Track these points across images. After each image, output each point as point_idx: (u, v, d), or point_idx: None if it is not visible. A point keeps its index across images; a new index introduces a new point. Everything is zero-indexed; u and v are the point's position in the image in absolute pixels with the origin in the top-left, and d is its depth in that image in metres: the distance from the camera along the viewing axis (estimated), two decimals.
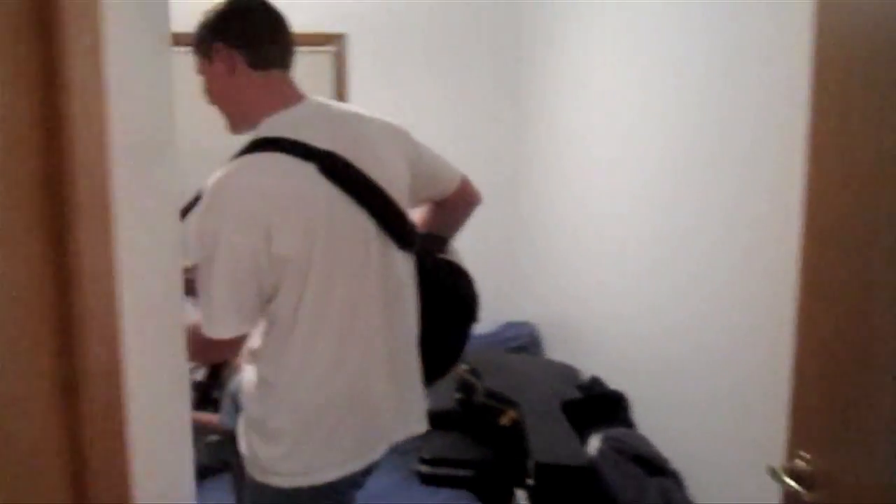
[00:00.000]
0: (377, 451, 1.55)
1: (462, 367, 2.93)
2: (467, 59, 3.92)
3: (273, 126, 1.43)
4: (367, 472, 1.56)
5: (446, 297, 1.70)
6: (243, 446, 1.53)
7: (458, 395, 2.82)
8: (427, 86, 3.89)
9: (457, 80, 3.92)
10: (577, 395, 2.63)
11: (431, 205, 1.76)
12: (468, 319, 1.75)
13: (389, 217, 1.50)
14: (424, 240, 1.75)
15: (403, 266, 1.56)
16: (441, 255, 1.71)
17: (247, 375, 1.51)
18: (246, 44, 1.45)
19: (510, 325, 3.72)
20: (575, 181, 3.24)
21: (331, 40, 3.79)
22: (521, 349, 3.51)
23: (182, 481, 1.19)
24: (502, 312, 3.83)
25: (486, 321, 3.79)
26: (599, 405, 2.57)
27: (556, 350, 3.49)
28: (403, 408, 1.59)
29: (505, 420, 2.52)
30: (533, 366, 3.00)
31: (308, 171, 1.38)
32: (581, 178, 3.18)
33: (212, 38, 1.45)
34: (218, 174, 1.37)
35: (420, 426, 1.66)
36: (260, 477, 1.49)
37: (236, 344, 1.45)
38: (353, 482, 1.54)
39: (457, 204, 1.77)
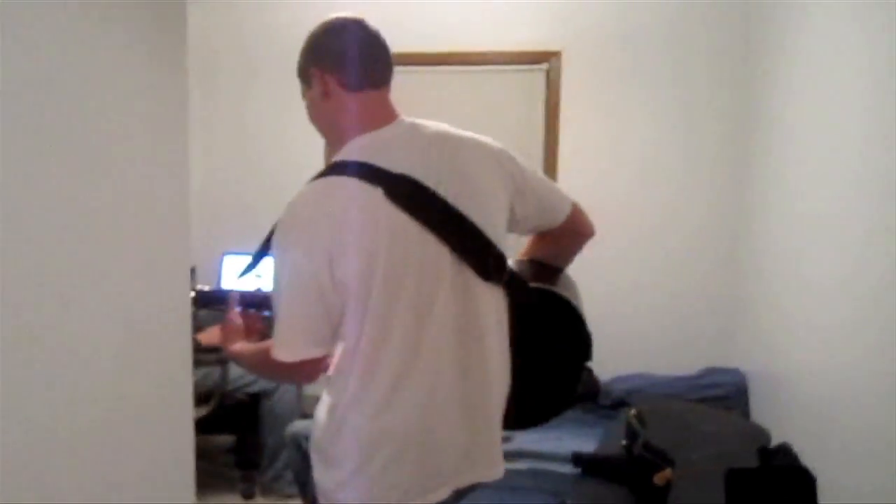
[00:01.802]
0: (439, 494, 1.45)
1: (631, 413, 2.71)
2: (690, 86, 3.61)
3: (353, 148, 1.42)
4: None
5: (544, 332, 1.56)
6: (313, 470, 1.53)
7: (623, 442, 2.60)
8: (643, 110, 3.66)
9: (676, 107, 3.64)
10: (752, 462, 2.28)
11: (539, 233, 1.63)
12: (572, 357, 1.59)
13: (470, 245, 1.42)
14: (528, 269, 1.63)
15: (487, 298, 1.46)
16: (543, 286, 1.57)
17: (322, 400, 1.51)
18: (338, 66, 1.44)
19: (713, 371, 3.36)
20: (801, 222, 2.82)
21: (546, 58, 3.72)
22: (720, 399, 3.14)
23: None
24: (707, 356, 3.48)
25: (687, 363, 3.48)
26: (776, 480, 2.20)
27: (762, 405, 3.07)
28: (475, 451, 1.48)
29: (659, 479, 2.26)
30: (712, 420, 2.66)
31: (374, 196, 1.34)
32: (807, 220, 2.76)
33: (308, 63, 1.47)
34: (292, 198, 1.38)
35: (492, 472, 1.53)
36: (323, 501, 1.48)
37: (308, 367, 1.45)
38: None
39: (565, 235, 1.63)
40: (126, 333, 1.66)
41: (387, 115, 1.47)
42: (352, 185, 1.35)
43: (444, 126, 1.51)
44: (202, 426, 3.39)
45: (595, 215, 3.86)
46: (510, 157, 1.52)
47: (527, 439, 2.92)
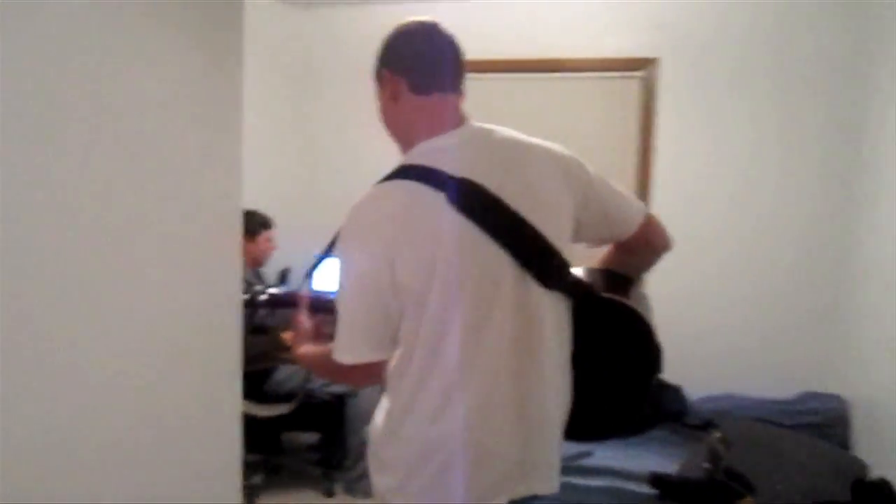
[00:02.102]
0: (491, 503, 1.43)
1: (715, 435, 2.59)
2: (793, 94, 3.43)
3: (418, 152, 1.42)
4: None
5: (608, 343, 1.52)
6: None
7: (706, 465, 2.49)
8: (744, 121, 3.51)
9: (778, 118, 3.46)
10: (842, 496, 2.13)
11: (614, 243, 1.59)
12: (638, 370, 1.53)
13: (531, 252, 1.39)
14: (598, 279, 1.59)
15: (547, 306, 1.43)
16: (609, 296, 1.52)
17: (380, 404, 1.52)
18: (408, 69, 1.45)
19: (812, 396, 3.16)
20: None
21: (642, 65, 3.63)
22: (817, 427, 2.95)
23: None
24: (805, 380, 3.29)
25: (783, 386, 3.30)
26: None
27: (863, 436, 2.86)
28: (528, 463, 1.45)
29: None
30: (803, 448, 2.50)
31: (436, 200, 1.34)
32: None
33: (380, 65, 1.49)
34: (357, 201, 1.40)
35: (547, 486, 1.49)
36: (378, 498, 1.49)
37: (368, 371, 1.46)
38: None
39: (638, 247, 1.57)
40: (173, 335, 1.70)
41: (455, 120, 1.46)
42: (414, 189, 1.36)
43: (512, 132, 1.49)
44: (285, 423, 3.50)
45: (692, 229, 3.81)
46: (578, 165, 1.49)
47: (607, 456, 2.85)
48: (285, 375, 3.44)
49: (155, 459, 1.66)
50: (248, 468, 3.57)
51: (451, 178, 1.36)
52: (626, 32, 3.64)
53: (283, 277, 3.64)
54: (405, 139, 1.49)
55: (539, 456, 1.47)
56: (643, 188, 3.68)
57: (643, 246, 1.58)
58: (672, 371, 3.41)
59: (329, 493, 3.43)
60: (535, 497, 1.49)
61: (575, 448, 2.95)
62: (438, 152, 1.40)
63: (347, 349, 1.41)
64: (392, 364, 1.44)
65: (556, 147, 1.49)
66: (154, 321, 1.63)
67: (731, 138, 3.52)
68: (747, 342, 3.50)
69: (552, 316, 1.44)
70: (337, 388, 3.39)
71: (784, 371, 3.38)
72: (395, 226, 1.34)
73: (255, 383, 3.41)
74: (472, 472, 1.41)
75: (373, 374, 1.47)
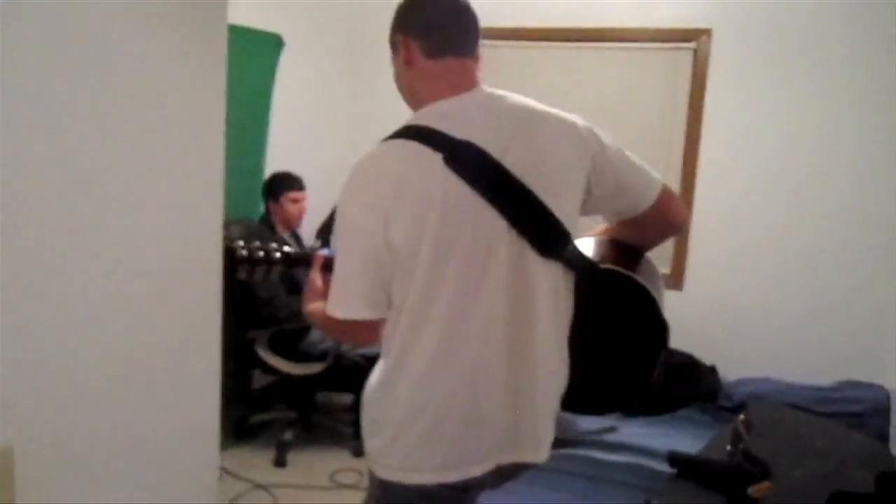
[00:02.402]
0: (477, 468, 1.43)
1: (739, 417, 2.53)
2: (863, 67, 3.26)
3: (423, 114, 1.42)
4: (465, 489, 1.45)
5: (610, 316, 1.49)
6: None
7: (728, 447, 2.44)
8: (802, 96, 3.37)
9: (840, 94, 3.30)
10: (866, 488, 2.05)
11: None
12: (642, 345, 1.50)
13: (529, 219, 1.37)
14: (605, 249, 1.56)
15: (544, 275, 1.41)
16: (613, 268, 1.49)
17: (377, 364, 1.53)
18: (422, 33, 1.44)
19: (853, 384, 3.05)
20: None
21: (694, 36, 3.51)
22: (856, 416, 2.85)
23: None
24: (847, 367, 3.17)
25: (824, 373, 3.19)
26: None
27: None
28: (519, 430, 1.45)
29: (755, 491, 2.10)
30: (829, 435, 2.42)
31: (433, 161, 1.33)
32: None
33: (395, 30, 1.48)
34: (358, 159, 1.40)
35: (535, 456, 1.48)
36: (368, 461, 1.51)
37: (363, 329, 1.47)
38: (452, 500, 1.46)
39: (651, 222, 1.52)
40: (154, 279, 1.73)
41: (467, 84, 1.43)
42: (413, 149, 1.35)
43: (526, 99, 1.46)
44: (320, 383, 3.57)
45: (736, 205, 3.69)
46: (593, 135, 1.44)
47: (632, 433, 2.82)
48: (319, 336, 3.49)
49: (134, 404, 1.71)
50: (282, 424, 3.68)
51: (452, 139, 1.35)
52: (677, 2, 3.52)
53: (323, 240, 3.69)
54: (416, 103, 1.48)
55: (529, 424, 1.46)
56: (690, 163, 3.58)
57: (658, 221, 1.53)
58: (709, 351, 3.37)
59: (358, 454, 3.50)
60: (524, 465, 1.49)
61: (599, 422, 2.94)
62: (443, 114, 1.39)
63: (340, 304, 1.42)
64: (386, 324, 1.45)
65: (570, 116, 1.45)
66: (135, 269, 1.67)
67: (786, 115, 3.39)
68: (789, 325, 3.40)
69: (549, 286, 1.42)
70: (368, 351, 3.42)
71: (825, 357, 3.28)
72: (389, 184, 1.34)
73: (291, 342, 3.49)
74: (460, 434, 1.41)
75: (367, 333, 1.49)
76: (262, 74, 3.73)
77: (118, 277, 1.62)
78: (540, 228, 1.38)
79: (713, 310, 3.62)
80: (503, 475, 1.48)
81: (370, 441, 1.48)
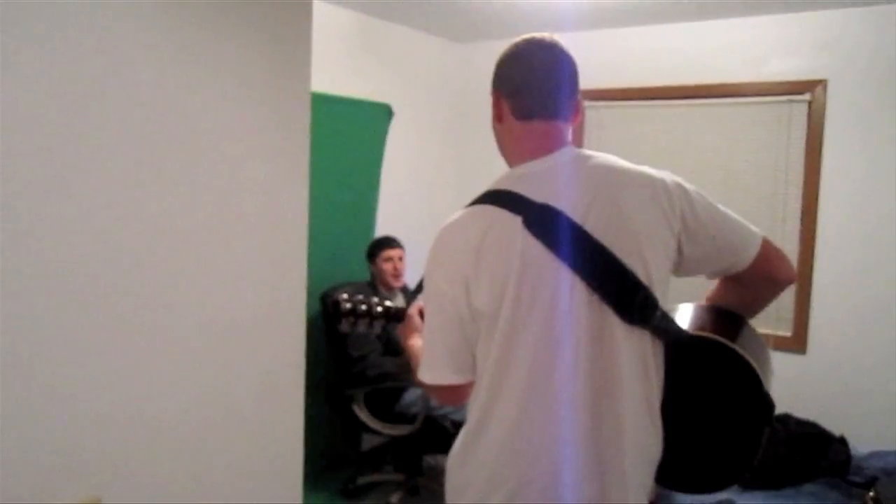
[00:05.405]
0: None
1: (869, 494, 2.34)
2: None
3: (505, 178, 1.43)
4: None
5: (703, 388, 1.43)
6: None
7: None
8: None
9: None
10: None
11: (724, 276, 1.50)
12: (740, 419, 1.43)
13: (611, 283, 1.34)
14: (704, 317, 1.50)
15: (631, 342, 1.35)
16: (708, 336, 1.43)
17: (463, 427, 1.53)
18: (511, 93, 1.44)
19: None
20: None
21: (808, 88, 3.38)
22: None
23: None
24: None
25: None
26: None
27: None
28: (603, 501, 1.38)
29: None
30: None
31: (513, 224, 1.34)
32: None
33: (493, 84, 1.49)
34: (441, 226, 1.44)
35: None
36: None
37: (448, 393, 1.48)
38: None
39: (754, 279, 1.45)
40: (237, 334, 1.77)
41: (552, 146, 1.42)
42: (493, 214, 1.36)
43: (611, 158, 1.43)
44: (423, 445, 3.56)
45: (860, 260, 3.48)
46: (683, 193, 1.39)
47: None
48: (414, 397, 3.51)
49: (217, 454, 1.74)
50: (389, 487, 3.69)
51: (531, 202, 1.35)
52: (790, 53, 3.41)
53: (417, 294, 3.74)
54: (507, 159, 1.50)
55: (615, 496, 1.40)
56: (809, 218, 3.41)
57: (761, 278, 1.45)
58: (837, 419, 3.15)
59: None
60: None
61: (715, 497, 2.78)
62: (525, 177, 1.39)
63: (427, 369, 1.43)
64: (473, 389, 1.45)
65: (658, 172, 1.41)
66: (217, 315, 1.72)
67: None
68: None
69: (636, 353, 1.37)
70: (456, 416, 3.38)
71: None
72: (471, 250, 1.35)
73: (386, 402, 3.52)
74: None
75: (452, 396, 1.49)
76: (373, 142, 3.89)
77: (207, 334, 1.69)
78: (621, 293, 1.35)
79: (841, 374, 3.38)
80: None
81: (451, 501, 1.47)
